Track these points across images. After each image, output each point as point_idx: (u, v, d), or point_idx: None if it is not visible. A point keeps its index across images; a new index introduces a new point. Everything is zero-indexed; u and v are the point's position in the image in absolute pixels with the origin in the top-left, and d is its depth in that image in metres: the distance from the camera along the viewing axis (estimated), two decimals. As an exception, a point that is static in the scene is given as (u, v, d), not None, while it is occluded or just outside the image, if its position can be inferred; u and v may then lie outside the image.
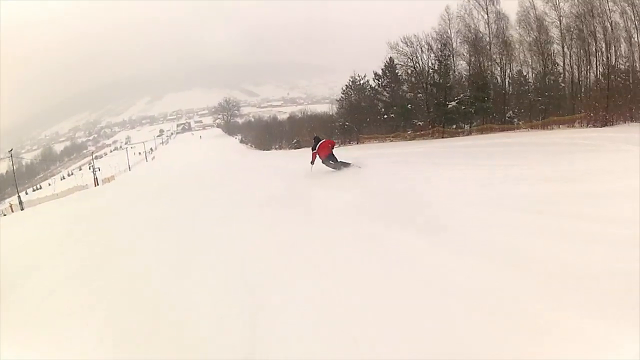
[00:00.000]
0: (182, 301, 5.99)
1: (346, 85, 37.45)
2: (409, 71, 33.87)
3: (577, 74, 30.79)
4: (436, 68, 33.06)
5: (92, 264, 8.41)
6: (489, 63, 32.58)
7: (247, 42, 51.83)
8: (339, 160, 15.99)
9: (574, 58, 30.73)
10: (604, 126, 27.10)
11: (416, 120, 33.29)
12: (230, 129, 51.41)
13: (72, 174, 45.97)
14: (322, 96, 52.63)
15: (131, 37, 50.26)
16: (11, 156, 33.80)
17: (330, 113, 41.22)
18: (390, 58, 34.59)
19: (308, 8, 49.28)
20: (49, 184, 44.61)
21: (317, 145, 15.91)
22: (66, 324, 5.82)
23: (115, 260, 8.38)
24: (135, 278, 7.23)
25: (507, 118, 31.82)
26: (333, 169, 15.77)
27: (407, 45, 33.24)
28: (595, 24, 29.59)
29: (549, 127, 29.69)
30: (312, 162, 15.95)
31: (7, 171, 42.39)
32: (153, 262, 7.90)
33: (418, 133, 32.90)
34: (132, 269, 7.72)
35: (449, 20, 33.10)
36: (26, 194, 41.75)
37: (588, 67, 30.44)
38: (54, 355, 5.19)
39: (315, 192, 12.82)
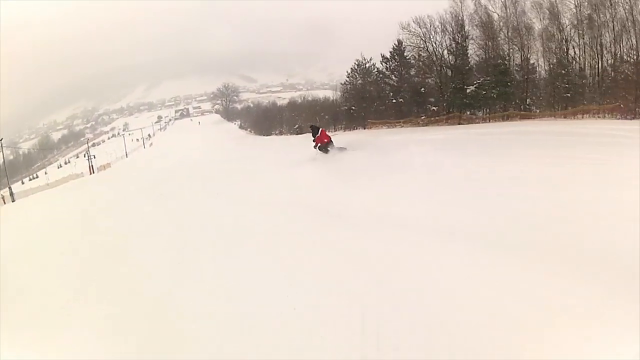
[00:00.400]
0: (183, 301, 6.00)
1: (351, 68, 35.85)
2: (421, 54, 31.90)
3: (598, 64, 28.57)
4: (453, 50, 31.04)
5: (89, 261, 8.41)
6: (509, 47, 30.51)
7: (246, 28, 50.10)
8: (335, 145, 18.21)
9: (595, 47, 28.56)
10: (634, 119, 24.94)
11: (430, 105, 31.31)
12: (229, 114, 50.14)
13: (69, 162, 45.03)
14: (321, 82, 50.72)
15: (129, 27, 48.71)
16: (1, 146, 31.86)
17: (333, 98, 39.86)
18: (399, 40, 32.85)
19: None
20: (45, 173, 43.80)
21: (319, 132, 18.22)
22: (66, 324, 5.84)
23: (114, 257, 8.43)
24: (133, 276, 7.21)
25: (526, 105, 29.84)
26: (325, 153, 17.91)
27: (420, 26, 31.35)
28: (613, 12, 27.68)
29: (573, 116, 27.51)
30: (315, 147, 18.16)
31: (4, 161, 41.05)
32: (152, 259, 7.94)
33: (432, 119, 30.87)
34: (131, 267, 7.72)
35: (460, 2, 31.00)
36: (22, 183, 41.24)
37: (601, 57, 28.38)
38: (54, 355, 5.18)
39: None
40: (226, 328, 5.31)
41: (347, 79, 36.11)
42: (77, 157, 43.89)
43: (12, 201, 29.06)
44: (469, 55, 31.16)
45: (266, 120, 43.71)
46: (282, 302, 5.75)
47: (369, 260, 6.88)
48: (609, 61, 28.30)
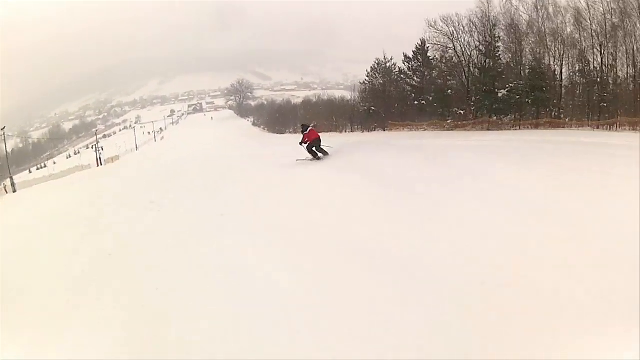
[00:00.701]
0: (185, 302, 5.96)
1: (371, 67, 34.63)
2: (445, 54, 30.49)
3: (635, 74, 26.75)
4: (483, 50, 29.25)
5: (88, 259, 8.22)
6: (541, 50, 28.60)
7: (261, 26, 50.06)
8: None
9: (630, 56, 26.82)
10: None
11: (456, 109, 29.61)
12: (242, 111, 50.09)
13: (78, 152, 45.32)
14: (336, 82, 50.75)
15: (142, 22, 49.35)
16: (4, 135, 31.70)
17: (350, 98, 39.21)
18: (422, 40, 31.60)
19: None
20: (54, 162, 44.04)
21: (308, 130, 17.71)
22: (66, 324, 5.81)
23: (114, 255, 8.27)
24: (134, 276, 7.15)
25: (558, 113, 27.95)
26: (312, 158, 17.39)
27: (447, 24, 29.75)
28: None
29: (607, 127, 25.76)
30: (302, 143, 17.69)
31: (13, 149, 42.32)
32: (153, 258, 7.76)
33: (459, 123, 29.15)
34: (131, 266, 7.59)
35: (487, 2, 29.23)
36: (30, 172, 41.78)
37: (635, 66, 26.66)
38: (54, 355, 5.19)
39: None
40: (227, 329, 5.32)
41: (367, 78, 34.97)
42: (87, 148, 43.73)
43: (13, 192, 28.55)
44: (500, 57, 29.54)
45: (280, 118, 43.18)
46: (285, 302, 5.81)
47: (373, 260, 6.92)
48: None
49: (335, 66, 51.60)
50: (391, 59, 34.09)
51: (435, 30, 30.45)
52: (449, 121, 29.99)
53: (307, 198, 11.66)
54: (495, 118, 28.98)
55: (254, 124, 47.16)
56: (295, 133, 38.64)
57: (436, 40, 30.86)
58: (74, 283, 7.45)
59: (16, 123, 44.47)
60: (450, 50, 30.55)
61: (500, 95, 28.46)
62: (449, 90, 30.31)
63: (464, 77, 30.22)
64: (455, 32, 29.96)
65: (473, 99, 29.63)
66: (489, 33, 29.36)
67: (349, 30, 46.77)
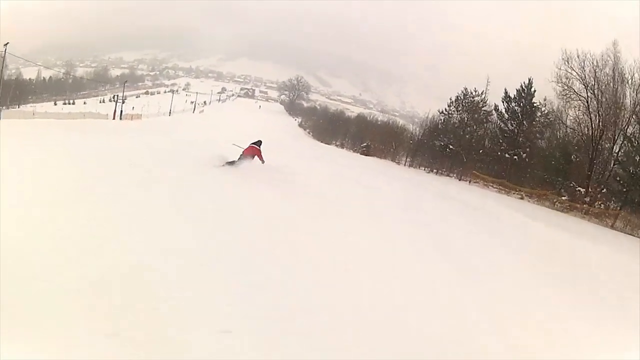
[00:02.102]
0: (189, 302, 5.13)
1: (456, 97, 28.25)
2: (573, 104, 21.37)
3: None
4: (634, 109, 19.54)
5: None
6: None
7: (336, 31, 48.77)
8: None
9: None
10: None
11: (574, 183, 20.42)
12: (292, 108, 47.45)
13: (113, 99, 41.71)
14: (393, 107, 49.34)
15: None
16: (5, 52, 26.12)
17: (409, 127, 35.37)
18: (529, 79, 24.10)
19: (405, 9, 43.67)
20: (84, 102, 42.43)
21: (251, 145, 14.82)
22: (67, 324, 4.59)
23: (103, 242, 6.05)
24: (136, 272, 5.64)
25: None
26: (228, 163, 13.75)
27: (583, 64, 20.98)
28: None
29: None
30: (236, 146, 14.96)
31: (50, 77, 43.27)
32: (155, 255, 6.10)
33: (575, 205, 19.57)
34: (129, 262, 5.78)
35: (615, 57, 20.66)
36: (55, 104, 40.50)
37: None
38: (54, 355, 4.26)
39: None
40: (233, 329, 4.47)
41: (447, 108, 28.65)
42: (124, 99, 39.67)
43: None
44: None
45: (330, 127, 40.07)
46: (299, 303, 5.16)
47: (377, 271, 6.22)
48: None
49: (395, 90, 50.19)
50: (482, 93, 27.43)
51: (568, 67, 21.78)
52: (563, 198, 20.88)
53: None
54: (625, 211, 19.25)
55: (300, 125, 44.31)
56: (343, 147, 37.64)
57: (566, 80, 21.94)
58: (67, 275, 5.08)
59: (67, 54, 44.66)
60: (580, 102, 21.73)
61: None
62: (573, 156, 21.42)
63: (592, 143, 20.87)
64: (594, 78, 20.96)
65: (594, 175, 20.77)
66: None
67: (424, 51, 44.15)
